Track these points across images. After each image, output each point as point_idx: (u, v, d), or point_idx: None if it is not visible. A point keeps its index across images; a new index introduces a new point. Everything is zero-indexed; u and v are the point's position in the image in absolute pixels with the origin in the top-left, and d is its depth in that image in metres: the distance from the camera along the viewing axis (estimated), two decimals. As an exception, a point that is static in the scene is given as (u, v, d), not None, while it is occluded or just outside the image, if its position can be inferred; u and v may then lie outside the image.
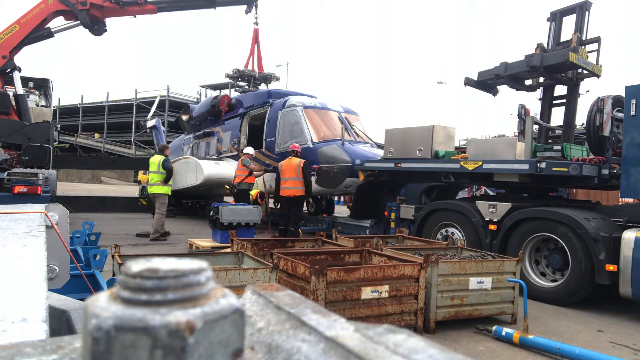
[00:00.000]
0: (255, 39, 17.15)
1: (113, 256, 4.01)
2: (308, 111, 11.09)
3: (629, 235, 5.25)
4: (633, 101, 5.35)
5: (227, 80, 17.13)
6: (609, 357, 3.70)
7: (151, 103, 28.09)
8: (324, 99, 12.11)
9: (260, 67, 17.08)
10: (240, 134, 13.11)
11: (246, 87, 16.43)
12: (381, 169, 8.71)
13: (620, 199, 8.35)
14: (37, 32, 11.84)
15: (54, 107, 26.64)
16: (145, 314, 0.34)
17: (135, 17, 12.59)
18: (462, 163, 7.00)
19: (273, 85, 16.60)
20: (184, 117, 16.94)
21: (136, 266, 0.37)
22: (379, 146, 10.51)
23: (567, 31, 7.70)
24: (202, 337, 0.34)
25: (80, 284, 3.06)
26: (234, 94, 16.50)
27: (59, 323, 1.19)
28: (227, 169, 13.12)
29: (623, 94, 5.61)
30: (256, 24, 17.03)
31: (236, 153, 13.17)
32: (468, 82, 8.22)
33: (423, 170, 7.93)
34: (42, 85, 15.73)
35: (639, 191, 5.33)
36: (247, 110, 13.30)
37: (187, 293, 0.36)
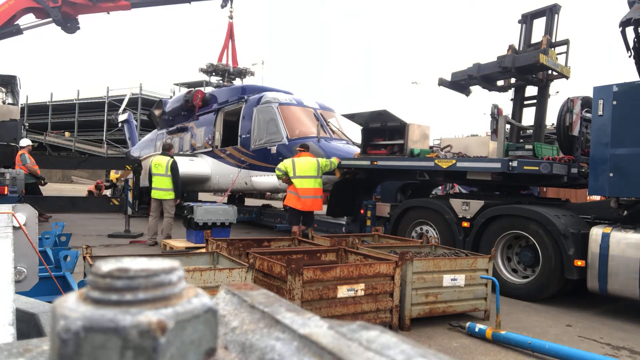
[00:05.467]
0: (230, 33, 17.00)
1: (84, 257, 3.92)
2: (283, 108, 11.05)
3: (596, 232, 5.41)
4: (600, 102, 5.50)
5: (201, 74, 16.91)
6: (577, 350, 3.80)
7: (123, 101, 27.60)
8: (299, 95, 12.08)
9: (234, 61, 16.93)
10: (215, 129, 12.99)
11: (220, 81, 16.23)
12: (357, 167, 8.75)
13: (588, 197, 8.59)
14: (5, 28, 11.48)
15: (21, 105, 25.91)
16: (115, 314, 0.33)
17: (108, 13, 12.33)
18: (436, 161, 7.09)
19: (248, 80, 16.47)
20: (157, 112, 16.66)
21: (106, 266, 0.36)
22: (355, 144, 10.55)
23: (538, 33, 7.87)
24: (173, 337, 0.34)
25: (50, 286, 2.99)
26: (207, 89, 16.32)
27: (28, 326, 1.15)
28: (201, 165, 12.97)
29: (591, 95, 5.76)
30: (231, 17, 16.89)
31: (211, 149, 13.04)
32: (442, 82, 8.32)
33: (398, 168, 8.00)
34: (8, 83, 15.26)
35: (606, 189, 5.49)
36: (221, 105, 13.17)
37: (158, 293, 0.35)
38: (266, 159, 10.89)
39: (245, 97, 12.24)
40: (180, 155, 13.91)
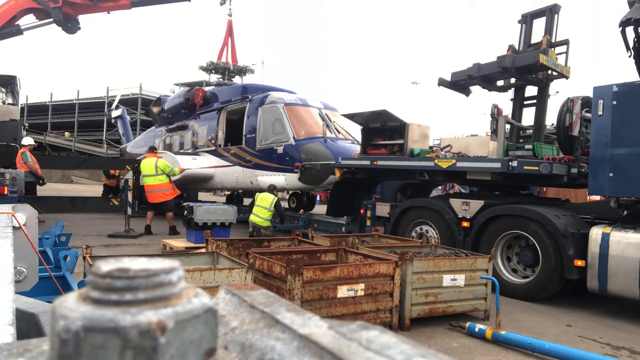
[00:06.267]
0: (230, 31, 17.00)
1: (84, 257, 3.92)
2: (289, 108, 11.06)
3: (596, 232, 5.41)
4: (600, 102, 5.50)
5: (201, 74, 16.91)
6: (577, 350, 3.80)
7: (123, 101, 27.57)
8: (303, 95, 12.07)
9: (234, 59, 16.92)
10: (218, 128, 13.00)
11: (220, 79, 16.21)
12: (357, 166, 8.76)
13: (588, 197, 8.59)
14: (6, 29, 11.48)
15: (21, 105, 25.88)
16: (115, 314, 0.33)
17: (109, 13, 12.31)
18: (436, 161, 7.09)
19: (248, 78, 16.47)
20: (155, 110, 16.60)
21: (106, 266, 0.36)
22: (360, 143, 10.55)
23: (538, 33, 7.87)
24: (173, 337, 0.34)
25: (50, 286, 2.98)
26: (208, 89, 16.32)
27: (27, 326, 1.15)
28: (204, 164, 12.97)
29: (591, 95, 5.76)
30: (230, 15, 16.91)
31: (214, 148, 13.05)
32: (442, 82, 8.32)
33: (398, 167, 8.00)
34: (8, 83, 15.24)
35: (606, 189, 5.49)
36: (224, 104, 13.17)
37: (158, 293, 0.35)
38: (273, 159, 10.91)
39: (249, 96, 12.25)
40: (181, 154, 13.90)
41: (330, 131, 10.67)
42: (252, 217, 9.15)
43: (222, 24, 17.28)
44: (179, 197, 14.86)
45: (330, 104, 12.06)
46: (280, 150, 10.73)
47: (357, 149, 9.99)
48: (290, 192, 13.20)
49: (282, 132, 10.77)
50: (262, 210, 9.08)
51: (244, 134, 11.91)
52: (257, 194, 9.42)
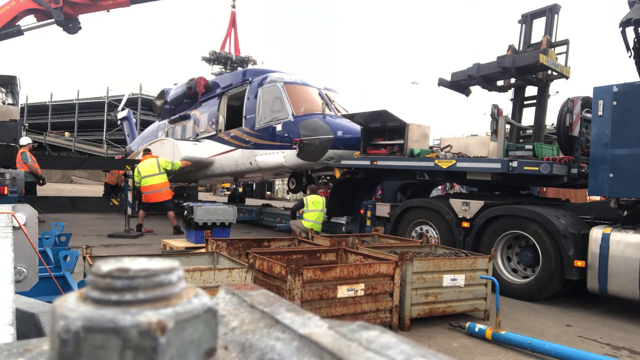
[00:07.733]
0: (233, 22, 17.01)
1: (84, 257, 3.92)
2: (288, 86, 10.99)
3: (596, 232, 5.41)
4: (601, 102, 5.50)
5: (203, 64, 16.84)
6: (577, 350, 3.80)
7: (122, 101, 27.56)
8: (303, 76, 12.02)
9: (237, 49, 16.91)
10: (219, 113, 12.93)
11: (222, 69, 16.17)
12: (358, 166, 8.75)
13: (588, 197, 8.59)
14: (6, 29, 11.47)
15: (21, 105, 25.87)
16: (115, 314, 0.33)
17: (108, 11, 12.29)
18: (436, 161, 7.10)
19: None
20: (158, 102, 16.51)
21: (106, 266, 0.36)
22: None
23: (538, 33, 7.88)
24: (173, 337, 0.34)
25: (50, 286, 2.98)
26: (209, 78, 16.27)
27: (27, 326, 1.15)
28: (205, 149, 12.88)
29: (591, 95, 5.76)
30: (233, 7, 16.93)
31: (214, 133, 12.98)
32: (442, 82, 8.32)
33: (398, 168, 8.01)
34: (8, 83, 15.24)
35: (606, 189, 5.49)
36: (225, 90, 13.13)
37: (158, 293, 0.35)
38: (272, 137, 10.81)
39: (250, 79, 12.22)
40: (182, 140, 13.86)
41: (330, 109, 10.55)
42: (307, 224, 8.73)
43: (224, 19, 17.30)
44: (179, 197, 14.87)
45: (330, 86, 11.99)
46: (279, 127, 10.60)
47: (357, 127, 9.79)
48: (290, 173, 12.95)
49: (281, 109, 10.67)
50: (317, 214, 8.87)
51: (243, 115, 11.81)
52: (305, 197, 9.17)
